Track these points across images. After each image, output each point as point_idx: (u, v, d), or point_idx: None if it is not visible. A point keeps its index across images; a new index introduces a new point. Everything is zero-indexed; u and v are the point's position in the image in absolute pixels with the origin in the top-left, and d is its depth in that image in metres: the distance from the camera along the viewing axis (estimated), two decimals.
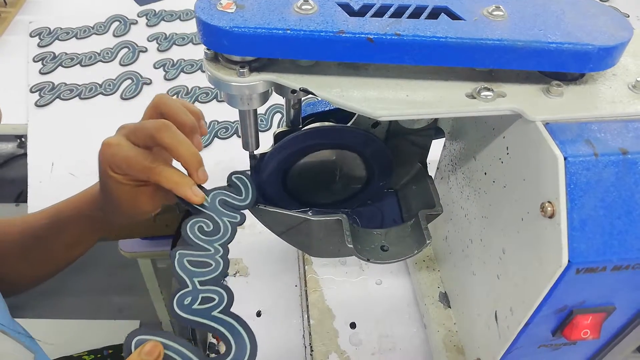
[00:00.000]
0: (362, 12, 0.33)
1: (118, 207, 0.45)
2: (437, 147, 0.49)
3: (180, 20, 0.93)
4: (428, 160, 0.48)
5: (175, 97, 0.79)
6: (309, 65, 0.35)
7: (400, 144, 0.46)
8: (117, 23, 0.91)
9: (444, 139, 0.49)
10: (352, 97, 0.33)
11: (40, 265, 0.54)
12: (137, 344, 0.33)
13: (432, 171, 0.48)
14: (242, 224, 0.41)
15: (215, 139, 0.76)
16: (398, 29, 0.31)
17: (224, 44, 0.32)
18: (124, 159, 0.41)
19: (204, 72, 0.84)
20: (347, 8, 0.33)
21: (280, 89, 0.36)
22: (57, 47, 0.87)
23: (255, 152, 0.43)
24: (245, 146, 0.42)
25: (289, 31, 0.31)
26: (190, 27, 0.91)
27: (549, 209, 0.31)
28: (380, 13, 0.33)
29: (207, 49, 0.34)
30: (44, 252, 0.52)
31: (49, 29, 0.90)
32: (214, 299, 0.36)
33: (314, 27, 0.31)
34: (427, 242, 0.42)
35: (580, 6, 0.34)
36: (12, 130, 0.79)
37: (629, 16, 0.99)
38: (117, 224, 0.49)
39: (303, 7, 0.32)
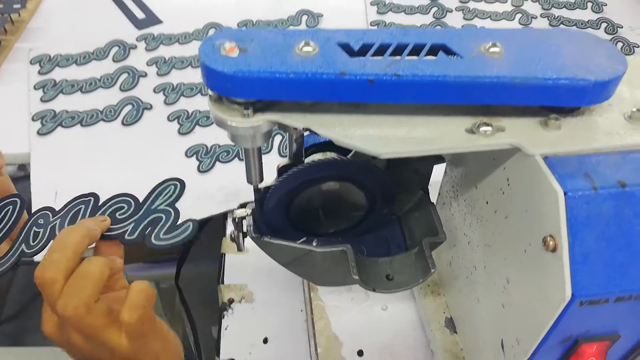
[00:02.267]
0: (362, 52, 0.34)
1: None
2: (438, 171, 0.50)
3: (179, 43, 0.94)
4: (430, 182, 0.48)
5: (175, 121, 0.80)
6: (310, 103, 0.35)
7: (402, 172, 0.47)
8: (116, 48, 0.92)
9: (445, 164, 0.50)
10: (353, 135, 0.34)
11: None
12: None
13: (433, 194, 0.49)
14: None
15: (217, 162, 0.76)
16: (397, 69, 0.32)
17: (228, 88, 0.32)
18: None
19: (204, 95, 0.85)
20: (347, 48, 0.34)
21: (283, 126, 0.37)
22: (58, 74, 0.88)
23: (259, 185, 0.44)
24: (250, 180, 0.42)
25: (291, 74, 0.32)
26: (189, 50, 0.92)
27: (551, 243, 0.31)
28: (380, 51, 0.34)
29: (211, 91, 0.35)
30: None
31: (49, 55, 0.90)
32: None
33: (316, 69, 0.32)
34: (432, 270, 0.42)
35: (576, 40, 0.35)
36: (14, 160, 0.79)
37: (622, 27, 1.00)
38: None
39: (304, 49, 0.33)
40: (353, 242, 0.49)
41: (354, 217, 0.49)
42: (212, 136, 0.79)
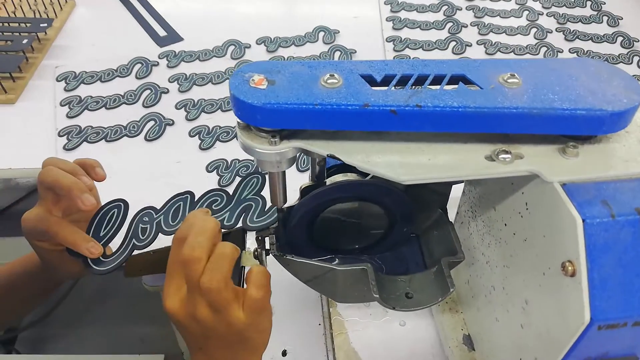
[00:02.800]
0: (384, 83, 0.35)
1: (54, 270, 0.51)
2: (456, 188, 0.51)
3: (200, 60, 0.96)
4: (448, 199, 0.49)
5: (196, 137, 0.83)
6: (334, 131, 0.37)
7: (421, 191, 0.48)
8: (139, 65, 0.95)
9: (463, 184, 0.51)
10: (376, 162, 0.35)
11: (7, 314, 0.61)
12: None
13: (451, 212, 0.50)
14: None
15: (237, 177, 0.78)
16: (419, 100, 0.33)
17: (257, 119, 0.34)
18: (32, 225, 0.46)
19: (224, 111, 0.87)
20: (369, 79, 0.35)
21: (306, 151, 0.38)
22: (83, 91, 0.91)
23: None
24: (274, 202, 0.44)
25: (317, 106, 0.33)
26: (209, 67, 0.95)
27: (570, 268, 0.32)
28: (401, 82, 0.35)
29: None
30: (4, 305, 0.58)
31: (75, 73, 0.93)
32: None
33: (341, 100, 0.33)
34: (451, 290, 0.43)
35: (592, 70, 0.36)
36: None
37: (638, 41, 1.00)
38: (63, 281, 0.57)
39: (329, 81, 0.35)
40: (373, 260, 0.51)
41: (373, 236, 0.50)
42: (232, 151, 0.81)
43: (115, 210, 0.48)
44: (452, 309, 0.54)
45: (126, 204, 0.49)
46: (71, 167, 0.46)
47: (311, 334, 0.59)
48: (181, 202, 0.47)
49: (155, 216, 0.47)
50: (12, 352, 1.24)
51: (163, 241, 0.74)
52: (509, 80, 0.35)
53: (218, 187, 0.47)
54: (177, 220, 0.46)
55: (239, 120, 0.37)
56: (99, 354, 1.18)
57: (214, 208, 0.46)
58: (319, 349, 0.58)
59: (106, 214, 0.48)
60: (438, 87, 0.35)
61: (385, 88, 0.35)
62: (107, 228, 0.48)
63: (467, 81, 0.35)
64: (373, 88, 0.35)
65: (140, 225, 0.47)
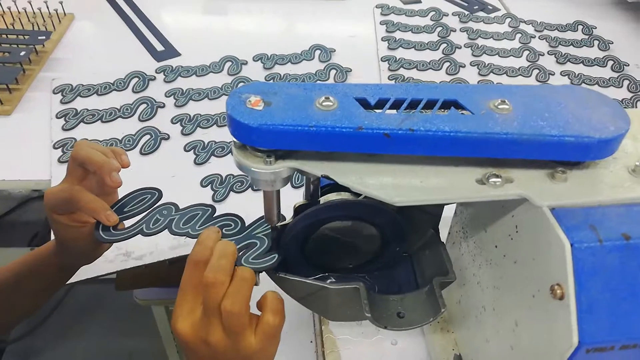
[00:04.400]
0: (378, 106, 0.36)
1: (71, 248, 0.51)
2: (448, 209, 0.51)
3: (196, 75, 0.97)
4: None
5: (191, 151, 0.83)
6: (328, 152, 0.37)
7: (413, 213, 0.48)
8: (136, 79, 0.95)
9: (455, 204, 0.51)
10: (369, 184, 0.36)
11: (7, 315, 0.60)
12: None
13: (443, 231, 0.50)
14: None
15: (231, 192, 0.78)
16: (411, 124, 0.34)
17: (253, 139, 0.35)
18: (54, 196, 0.47)
19: (219, 127, 0.88)
20: (363, 102, 0.36)
21: (301, 171, 0.39)
22: (79, 104, 0.91)
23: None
24: (269, 220, 0.44)
25: (312, 127, 0.34)
26: (206, 82, 0.95)
27: (558, 291, 0.33)
28: (395, 105, 0.36)
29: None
30: (10, 301, 0.58)
31: (71, 85, 0.94)
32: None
33: (335, 123, 0.34)
34: (442, 310, 0.43)
35: (581, 98, 0.37)
36: (35, 186, 0.82)
37: (628, 65, 1.03)
38: (78, 267, 0.57)
39: (324, 103, 0.35)
40: (365, 279, 0.51)
41: (366, 255, 0.50)
42: (227, 166, 0.81)
43: (149, 196, 0.49)
44: (444, 329, 0.55)
45: (160, 194, 0.49)
46: (102, 148, 0.48)
47: (303, 352, 0.59)
48: (200, 212, 0.48)
49: (173, 213, 0.48)
50: None
51: (160, 252, 0.74)
52: (499, 106, 0.35)
53: (235, 214, 0.47)
54: (188, 227, 0.47)
55: (234, 140, 0.37)
56: None
57: (224, 232, 0.46)
58: None
59: (139, 196, 0.49)
60: (430, 111, 0.35)
61: (379, 111, 0.35)
62: (132, 208, 0.48)
63: (458, 106, 0.36)
64: (367, 111, 0.35)
65: (157, 215, 0.48)
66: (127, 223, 0.48)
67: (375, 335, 0.57)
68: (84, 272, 0.71)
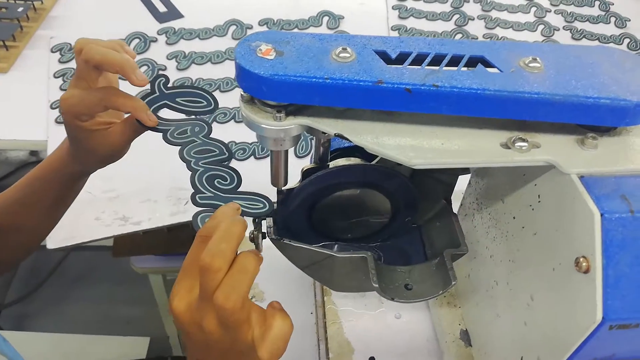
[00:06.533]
0: (399, 60, 0.33)
1: (94, 154, 0.49)
2: (460, 181, 0.49)
3: (200, 38, 0.93)
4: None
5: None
6: (342, 109, 0.35)
7: (426, 181, 0.46)
8: (137, 40, 0.92)
9: (469, 175, 0.49)
10: (386, 144, 0.33)
11: (30, 232, 0.58)
12: (202, 219, 0.38)
13: (455, 204, 0.48)
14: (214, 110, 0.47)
15: (233, 160, 0.76)
16: (436, 79, 0.32)
17: (263, 91, 0.32)
18: (80, 102, 0.44)
19: (222, 92, 0.85)
20: (384, 56, 0.34)
21: (312, 130, 0.36)
22: None
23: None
24: (274, 183, 0.42)
25: (328, 80, 0.31)
26: (209, 45, 0.92)
27: (584, 264, 0.31)
28: (417, 61, 0.33)
29: (244, 92, 0.34)
30: (30, 217, 0.56)
31: (70, 44, 0.90)
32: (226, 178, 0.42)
33: (353, 76, 0.32)
34: (453, 283, 0.41)
35: (616, 59, 0.34)
36: (32, 147, 0.80)
37: None
38: (94, 170, 0.55)
39: (341, 54, 0.33)
40: (372, 249, 0.49)
41: (374, 224, 0.48)
42: (229, 133, 0.78)
43: (197, 127, 0.45)
44: (450, 303, 0.53)
45: (210, 127, 0.46)
46: (110, 44, 0.46)
47: (302, 323, 0.58)
48: (217, 151, 0.44)
49: (198, 135, 0.45)
50: None
51: (159, 218, 0.72)
52: (530, 65, 0.33)
53: (262, 194, 0.43)
54: (194, 158, 0.43)
55: (242, 93, 0.35)
56: (83, 333, 1.16)
57: (218, 185, 0.43)
58: (310, 338, 0.56)
59: (192, 94, 0.47)
60: (456, 68, 0.33)
61: (400, 66, 0.33)
62: (178, 104, 0.47)
63: (486, 63, 0.33)
64: (387, 65, 0.33)
65: (189, 127, 0.45)
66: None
67: (378, 308, 0.56)
68: (81, 236, 0.69)
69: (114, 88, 0.45)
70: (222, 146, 0.44)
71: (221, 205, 0.39)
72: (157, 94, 0.46)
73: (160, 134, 0.45)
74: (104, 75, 0.47)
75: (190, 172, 0.42)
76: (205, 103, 0.47)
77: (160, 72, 0.87)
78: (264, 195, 0.41)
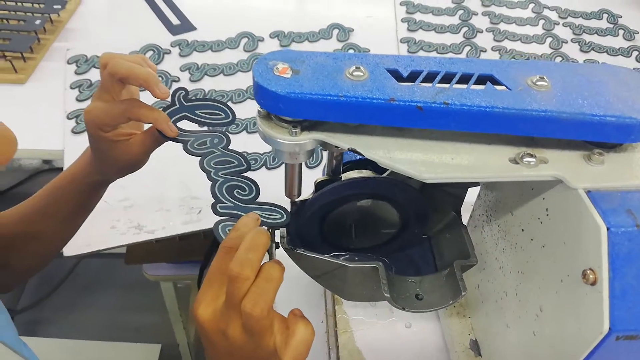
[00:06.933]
0: (410, 78, 0.35)
1: (115, 163, 0.51)
2: (470, 193, 0.50)
3: (212, 51, 0.95)
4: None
5: (205, 128, 0.82)
6: (356, 125, 0.36)
7: (436, 193, 0.47)
8: (151, 52, 0.94)
9: (479, 187, 0.50)
10: (397, 158, 0.35)
11: (49, 241, 0.59)
12: (223, 228, 0.39)
13: (464, 216, 0.49)
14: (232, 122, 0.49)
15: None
16: (446, 97, 0.33)
17: (280, 107, 0.33)
18: (104, 114, 0.46)
19: (235, 103, 0.87)
20: (395, 74, 0.35)
21: (325, 145, 0.38)
22: (94, 75, 0.90)
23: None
24: (289, 194, 0.43)
25: (342, 97, 0.33)
26: (222, 58, 0.94)
27: (591, 276, 0.32)
28: (428, 79, 0.35)
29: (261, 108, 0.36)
30: (50, 226, 0.58)
31: (86, 56, 0.93)
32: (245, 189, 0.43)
33: (366, 93, 0.33)
34: (463, 293, 0.42)
35: (621, 78, 0.35)
36: (48, 156, 0.81)
37: None
38: (113, 180, 0.56)
39: (354, 73, 0.34)
40: (382, 260, 0.50)
41: (385, 235, 0.49)
42: (242, 143, 0.80)
43: (216, 139, 0.47)
44: (460, 314, 0.54)
45: (228, 139, 0.48)
46: (134, 58, 0.47)
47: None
48: (235, 162, 0.45)
49: (218, 147, 0.46)
50: None
51: (172, 227, 0.73)
52: (537, 83, 0.34)
53: (279, 205, 0.44)
54: (214, 168, 0.45)
55: (259, 109, 0.36)
56: (95, 340, 1.18)
57: (238, 195, 0.44)
58: (320, 347, 0.57)
59: (210, 107, 0.48)
60: (465, 86, 0.34)
61: (412, 84, 0.34)
62: (199, 117, 0.48)
63: (495, 81, 0.35)
64: (399, 83, 0.34)
65: (209, 138, 0.47)
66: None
67: (389, 318, 0.57)
68: (97, 243, 0.71)
69: (137, 100, 0.47)
70: (240, 158, 0.46)
71: (241, 214, 0.40)
72: (177, 106, 0.48)
73: (180, 145, 0.46)
74: (126, 89, 0.49)
75: (211, 182, 0.43)
76: (224, 115, 0.48)
77: (174, 83, 0.89)
78: (281, 206, 0.42)
